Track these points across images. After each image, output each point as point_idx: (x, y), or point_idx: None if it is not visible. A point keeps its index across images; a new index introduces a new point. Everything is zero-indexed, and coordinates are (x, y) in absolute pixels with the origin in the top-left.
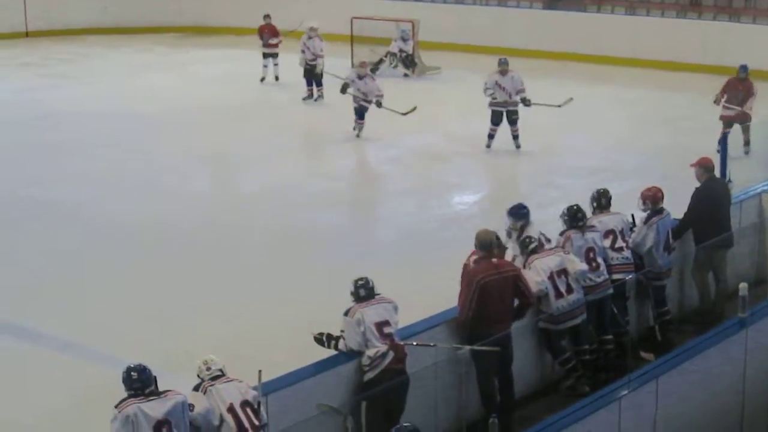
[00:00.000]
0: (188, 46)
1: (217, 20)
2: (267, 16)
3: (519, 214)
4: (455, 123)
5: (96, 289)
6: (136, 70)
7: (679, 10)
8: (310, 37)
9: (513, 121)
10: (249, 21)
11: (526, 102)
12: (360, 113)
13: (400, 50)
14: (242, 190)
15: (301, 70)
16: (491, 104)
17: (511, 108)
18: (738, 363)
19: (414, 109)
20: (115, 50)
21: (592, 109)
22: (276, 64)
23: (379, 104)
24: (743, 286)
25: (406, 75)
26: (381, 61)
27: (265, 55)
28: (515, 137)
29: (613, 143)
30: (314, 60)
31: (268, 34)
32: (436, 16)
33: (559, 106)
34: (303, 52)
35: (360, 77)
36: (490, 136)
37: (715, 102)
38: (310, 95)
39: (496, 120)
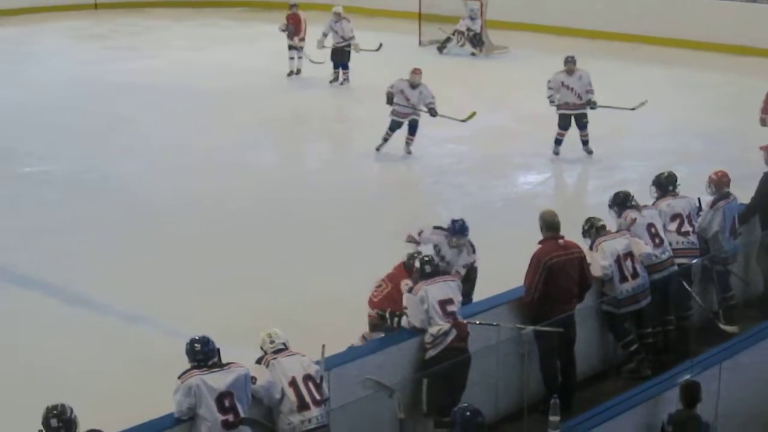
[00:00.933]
0: (255, 21)
1: None
2: (294, 6)
3: (465, 228)
4: (522, 103)
5: (159, 261)
6: (201, 43)
7: None
8: (336, 21)
9: (582, 125)
10: None
11: (592, 105)
12: (396, 126)
13: (468, 29)
14: (303, 165)
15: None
16: (558, 107)
17: (579, 111)
18: None
19: (473, 114)
20: (182, 23)
21: (660, 92)
22: (300, 57)
23: (433, 113)
24: None
25: (473, 54)
26: (448, 39)
27: (291, 47)
28: (585, 142)
29: (681, 126)
30: (342, 43)
31: (293, 24)
32: None
33: (633, 109)
34: (325, 35)
35: (413, 86)
36: (558, 142)
37: (761, 123)
38: (336, 78)
39: (564, 124)
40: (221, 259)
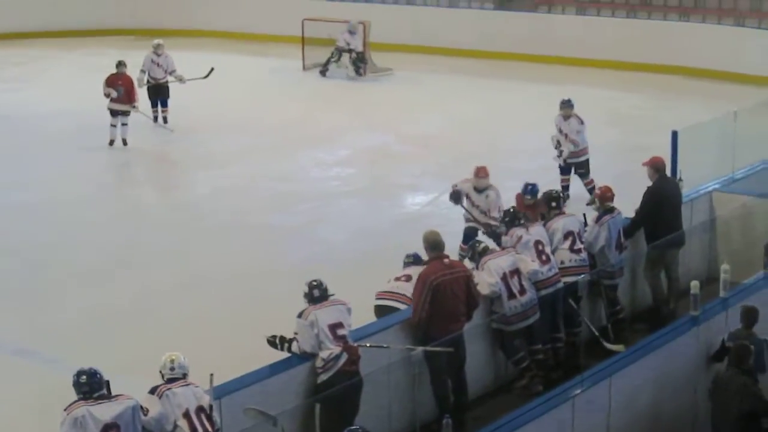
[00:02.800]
0: (143, 49)
1: (172, 23)
2: (121, 64)
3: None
4: (407, 124)
5: (49, 293)
6: (89, 72)
7: (629, 9)
8: (158, 54)
9: (582, 175)
10: (205, 24)
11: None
12: (473, 234)
13: (347, 44)
14: (192, 191)
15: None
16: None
17: (576, 159)
18: (690, 360)
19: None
20: (69, 53)
21: (544, 110)
22: (125, 124)
23: (491, 233)
24: (695, 285)
25: (357, 74)
26: (329, 61)
27: (114, 113)
28: (590, 191)
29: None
30: (163, 78)
31: (124, 86)
32: (387, 17)
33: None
34: (144, 72)
35: (479, 190)
36: (564, 188)
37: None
38: (156, 117)
39: (563, 169)
40: (110, 290)
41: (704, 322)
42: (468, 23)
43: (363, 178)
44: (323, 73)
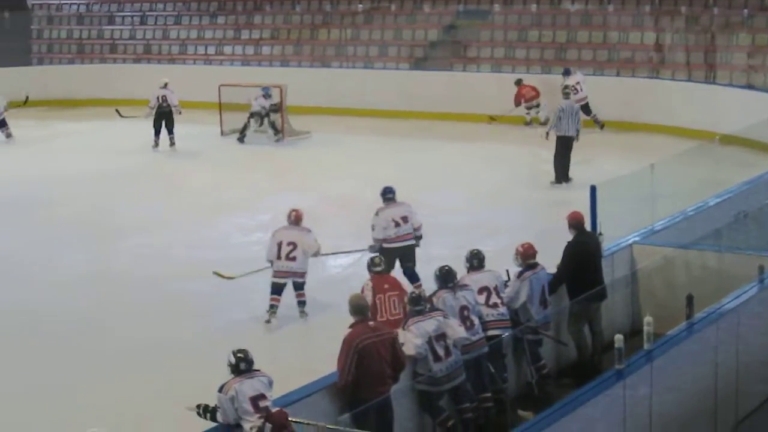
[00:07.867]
0: (56, 119)
1: (84, 93)
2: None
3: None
4: (327, 186)
5: None
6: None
7: (544, 65)
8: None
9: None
10: (123, 93)
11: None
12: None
13: (263, 107)
14: (113, 260)
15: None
16: None
17: None
18: (617, 415)
19: None
20: None
21: (463, 168)
22: None
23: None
24: (618, 338)
25: (277, 140)
26: (246, 126)
27: None
28: None
29: (486, 200)
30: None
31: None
32: (304, 80)
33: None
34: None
35: None
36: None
37: None
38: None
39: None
40: (29, 360)
41: (629, 375)
42: (384, 84)
43: None
44: (241, 140)
